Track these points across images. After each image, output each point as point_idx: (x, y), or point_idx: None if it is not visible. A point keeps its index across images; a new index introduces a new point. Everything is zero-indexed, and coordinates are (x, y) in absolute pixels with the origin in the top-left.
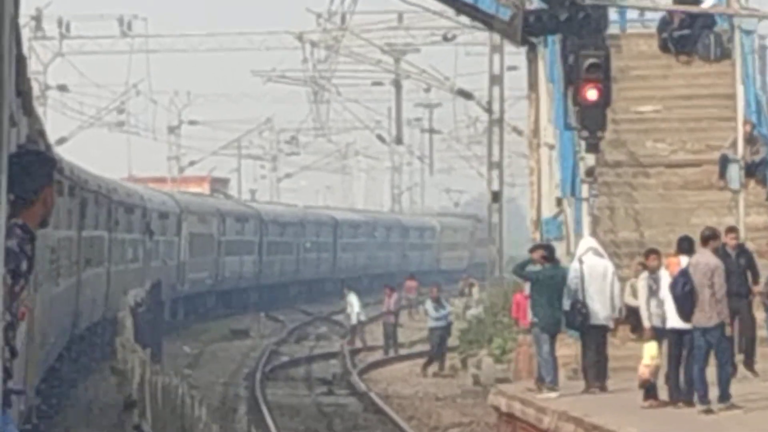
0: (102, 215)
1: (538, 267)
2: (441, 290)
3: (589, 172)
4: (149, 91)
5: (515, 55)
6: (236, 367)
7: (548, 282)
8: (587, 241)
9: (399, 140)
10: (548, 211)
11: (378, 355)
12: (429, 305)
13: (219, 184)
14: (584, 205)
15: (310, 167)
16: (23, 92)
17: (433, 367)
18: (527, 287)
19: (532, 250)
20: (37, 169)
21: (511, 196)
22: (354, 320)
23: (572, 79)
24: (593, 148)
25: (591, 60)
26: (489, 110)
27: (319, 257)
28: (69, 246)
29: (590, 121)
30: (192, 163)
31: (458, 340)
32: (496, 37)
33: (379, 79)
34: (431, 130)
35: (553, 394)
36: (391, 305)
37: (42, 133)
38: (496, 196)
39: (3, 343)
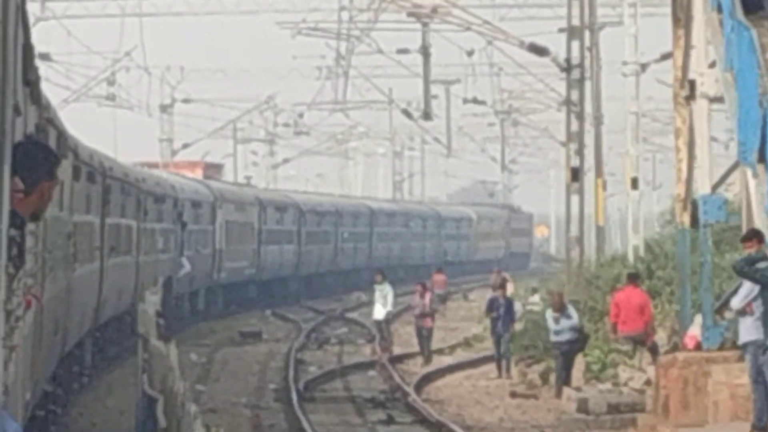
0: (129, 204)
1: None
2: (506, 279)
3: None
4: (143, 61)
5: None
6: (256, 380)
7: None
8: None
9: (427, 115)
10: (705, 185)
11: (416, 364)
12: (549, 315)
13: (212, 170)
14: None
15: (310, 151)
16: (31, 81)
17: (511, 381)
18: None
19: (746, 239)
20: (38, 162)
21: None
22: (381, 315)
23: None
24: None
25: None
26: (567, 67)
27: (355, 247)
28: (89, 232)
29: None
30: (186, 146)
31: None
32: None
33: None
34: (475, 100)
35: None
36: (426, 306)
37: (51, 121)
38: (575, 174)
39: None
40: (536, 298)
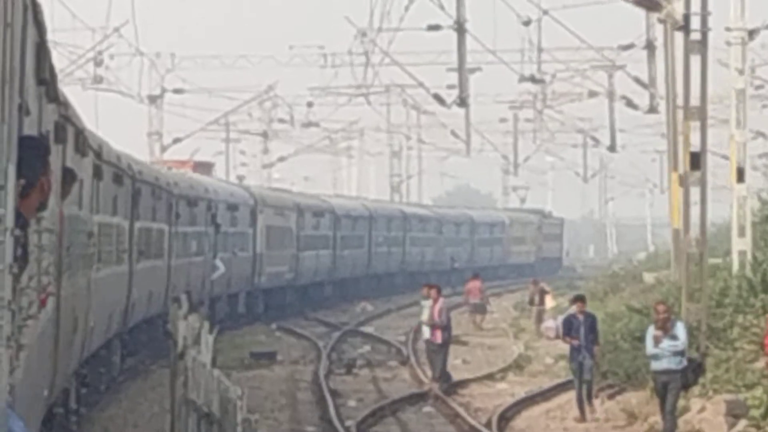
0: (161, 207)
1: None
2: (545, 291)
3: None
4: (135, 40)
5: None
6: (287, 419)
7: None
8: None
9: (463, 101)
10: None
11: (472, 393)
12: (649, 334)
13: (202, 169)
14: None
15: (312, 147)
16: (47, 80)
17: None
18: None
19: None
20: (33, 158)
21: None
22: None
23: None
24: None
25: None
26: (686, 23)
27: (389, 251)
28: (115, 234)
29: None
30: (177, 141)
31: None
32: None
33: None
34: (533, 78)
35: None
36: (435, 315)
37: (69, 119)
38: (695, 160)
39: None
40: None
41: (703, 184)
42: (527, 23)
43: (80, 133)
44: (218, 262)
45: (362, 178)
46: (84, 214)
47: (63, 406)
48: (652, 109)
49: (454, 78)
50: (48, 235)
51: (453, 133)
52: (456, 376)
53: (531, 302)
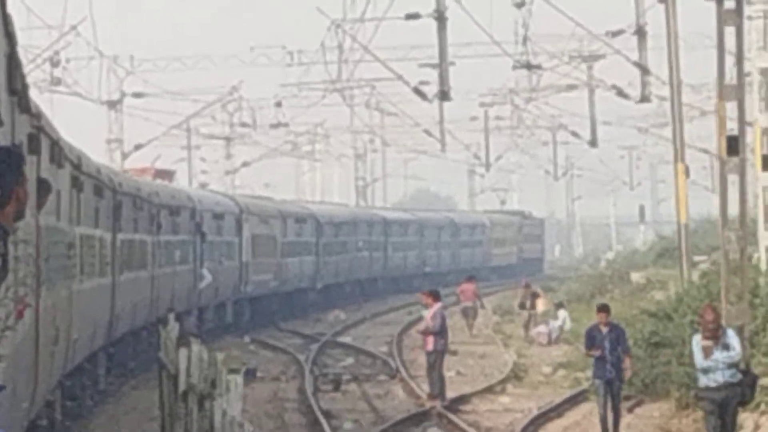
0: (142, 218)
1: None
2: (537, 295)
3: None
4: (93, 39)
5: None
6: None
7: None
8: None
9: (445, 95)
10: None
11: (475, 408)
12: (696, 345)
13: (163, 177)
14: None
15: (277, 150)
16: (18, 90)
17: None
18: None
19: None
20: (6, 167)
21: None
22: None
23: None
24: None
25: None
26: None
27: (371, 256)
28: (97, 246)
29: None
30: (138, 147)
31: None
32: None
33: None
34: (528, 65)
35: None
36: (428, 320)
37: (43, 130)
38: (733, 145)
39: None
40: (562, 315)
41: (742, 170)
42: (520, 5)
43: (55, 144)
44: (205, 272)
45: (326, 182)
46: (63, 225)
47: (48, 418)
48: (644, 98)
49: (427, 74)
50: (23, 246)
51: (426, 131)
52: (453, 390)
53: (522, 306)
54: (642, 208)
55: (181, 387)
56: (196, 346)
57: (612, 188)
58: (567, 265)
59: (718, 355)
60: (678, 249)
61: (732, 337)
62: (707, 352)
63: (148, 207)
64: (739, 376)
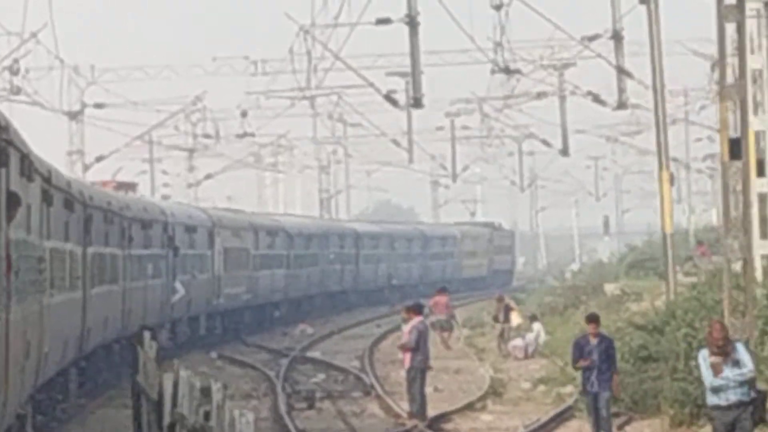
0: (113, 232)
1: None
2: (510, 308)
3: None
4: (54, 47)
5: None
6: None
7: None
8: None
9: (418, 102)
10: None
11: (458, 423)
12: (703, 360)
13: (125, 190)
14: None
15: (241, 162)
16: None
17: None
18: None
19: None
20: None
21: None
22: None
23: None
24: None
25: None
26: None
27: (342, 269)
28: (68, 259)
29: None
30: (100, 159)
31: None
32: None
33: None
34: (507, 69)
35: None
36: (405, 335)
37: (12, 143)
38: (734, 149)
39: None
40: (537, 328)
41: (745, 174)
42: (498, 7)
43: (25, 158)
44: (178, 285)
45: (288, 194)
46: (33, 239)
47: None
48: (622, 105)
49: (394, 83)
50: None
51: (394, 141)
52: (433, 408)
53: (495, 319)
54: (606, 219)
55: (167, 419)
56: (183, 372)
57: (576, 199)
58: (532, 277)
59: (729, 372)
60: (657, 259)
61: (743, 353)
62: (717, 369)
63: (120, 220)
64: (753, 394)
